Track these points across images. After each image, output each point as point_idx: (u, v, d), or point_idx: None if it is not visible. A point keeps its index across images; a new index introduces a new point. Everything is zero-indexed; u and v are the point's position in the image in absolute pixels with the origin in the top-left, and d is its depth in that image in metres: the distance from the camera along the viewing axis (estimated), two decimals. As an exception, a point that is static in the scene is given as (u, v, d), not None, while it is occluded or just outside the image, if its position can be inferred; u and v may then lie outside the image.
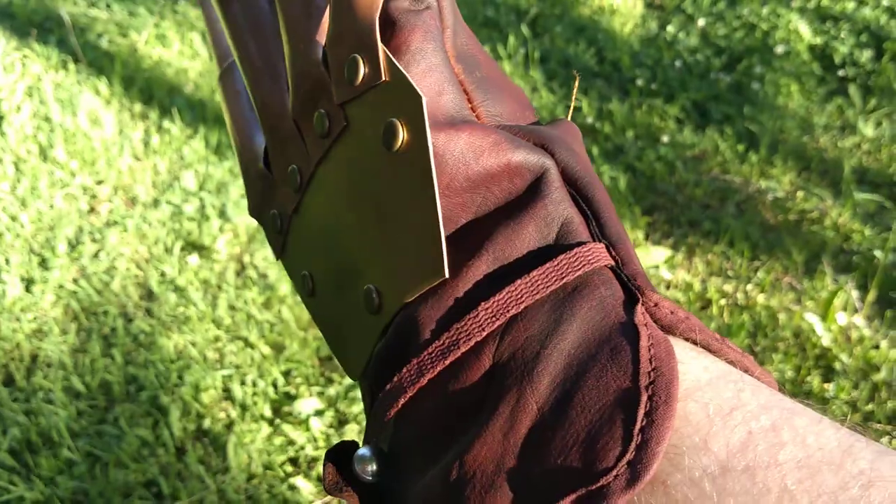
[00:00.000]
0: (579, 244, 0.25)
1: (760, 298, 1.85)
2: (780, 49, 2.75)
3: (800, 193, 2.17)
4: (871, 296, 1.84)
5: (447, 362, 0.24)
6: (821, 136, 2.39)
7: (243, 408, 1.60)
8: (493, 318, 0.23)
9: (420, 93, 0.25)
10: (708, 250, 2.00)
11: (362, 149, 0.27)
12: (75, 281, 1.88)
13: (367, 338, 0.26)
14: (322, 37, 0.28)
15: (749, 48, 2.78)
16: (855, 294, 1.86)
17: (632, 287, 0.25)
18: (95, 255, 1.95)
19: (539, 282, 0.24)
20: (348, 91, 0.27)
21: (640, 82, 2.61)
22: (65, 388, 1.64)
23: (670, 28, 2.93)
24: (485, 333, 0.24)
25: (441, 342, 0.24)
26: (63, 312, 1.80)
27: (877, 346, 1.75)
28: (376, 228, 0.26)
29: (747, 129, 2.40)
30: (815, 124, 2.44)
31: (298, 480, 1.49)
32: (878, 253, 1.95)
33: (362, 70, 0.26)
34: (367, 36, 0.26)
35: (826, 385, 1.67)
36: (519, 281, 0.24)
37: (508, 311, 0.23)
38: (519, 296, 0.24)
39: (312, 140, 0.28)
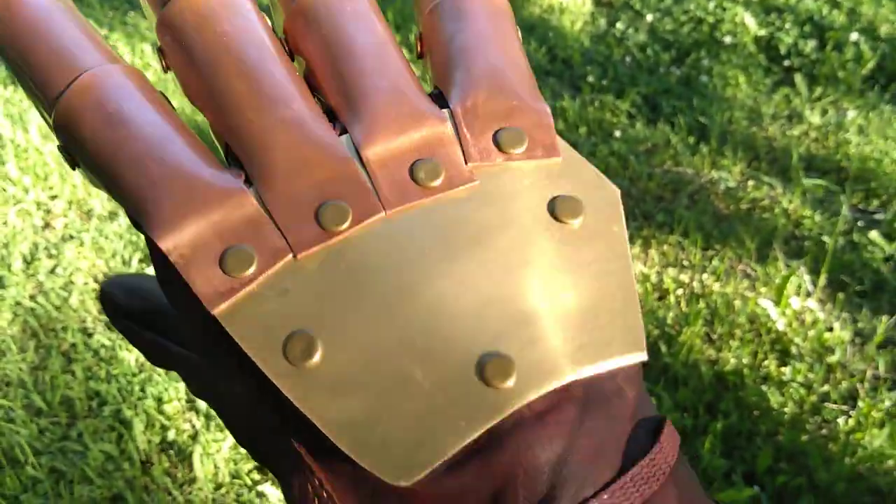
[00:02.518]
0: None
1: (716, 286, 1.89)
2: (727, 41, 2.80)
3: (750, 182, 2.22)
4: (823, 279, 1.88)
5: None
6: (769, 125, 2.45)
7: (208, 418, 1.60)
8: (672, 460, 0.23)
9: (615, 186, 0.25)
10: (663, 242, 2.03)
11: (504, 212, 0.24)
12: (32, 297, 1.86)
13: (477, 414, 0.21)
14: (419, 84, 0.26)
15: (697, 42, 2.83)
16: (807, 278, 1.91)
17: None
18: (52, 271, 1.93)
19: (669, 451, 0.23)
20: (492, 155, 0.25)
21: (591, 79, 2.64)
22: (25, 406, 1.62)
23: (619, 25, 2.97)
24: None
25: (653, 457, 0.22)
26: (21, 330, 1.79)
27: (830, 329, 1.79)
28: (525, 295, 0.23)
29: (697, 122, 2.45)
30: (764, 114, 2.49)
31: (266, 487, 1.49)
32: (826, 238, 2.00)
33: (525, 145, 0.25)
34: (538, 114, 0.25)
35: (782, 369, 1.70)
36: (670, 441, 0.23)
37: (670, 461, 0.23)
38: (673, 451, 0.23)
39: (392, 185, 0.24)
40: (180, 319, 0.26)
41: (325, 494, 0.22)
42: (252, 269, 0.22)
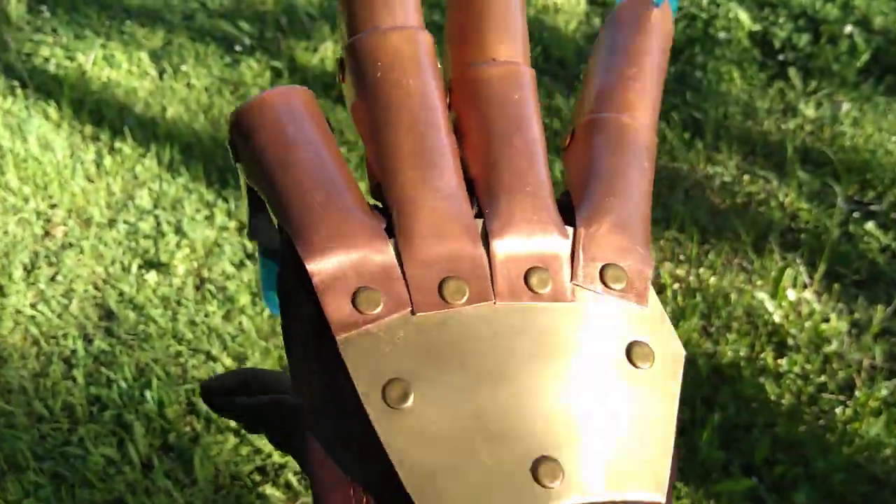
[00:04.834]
0: None
1: (712, 280, 1.90)
2: (721, 37, 2.81)
3: (746, 177, 2.22)
4: (820, 270, 1.88)
5: None
6: (764, 119, 2.45)
7: (208, 420, 1.61)
8: None
9: (682, 348, 0.27)
10: (659, 237, 2.04)
11: (590, 338, 0.26)
12: (33, 306, 1.87)
13: (522, 502, 0.24)
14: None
15: (691, 38, 2.84)
16: (803, 270, 1.91)
17: None
18: (52, 279, 1.95)
19: None
20: (594, 282, 0.27)
21: (586, 77, 2.65)
22: (27, 413, 1.64)
23: (614, 23, 2.98)
24: None
25: None
26: (22, 338, 1.80)
27: (826, 320, 1.80)
28: (588, 416, 0.25)
29: (692, 117, 2.45)
30: (758, 108, 2.49)
31: (267, 489, 1.50)
32: (828, 223, 2.00)
33: (623, 284, 0.27)
34: (644, 263, 0.27)
35: (779, 360, 1.71)
36: None
37: None
38: None
39: (506, 281, 0.26)
40: (284, 326, 0.29)
41: None
42: (377, 311, 0.25)
